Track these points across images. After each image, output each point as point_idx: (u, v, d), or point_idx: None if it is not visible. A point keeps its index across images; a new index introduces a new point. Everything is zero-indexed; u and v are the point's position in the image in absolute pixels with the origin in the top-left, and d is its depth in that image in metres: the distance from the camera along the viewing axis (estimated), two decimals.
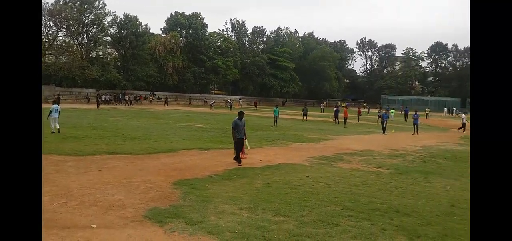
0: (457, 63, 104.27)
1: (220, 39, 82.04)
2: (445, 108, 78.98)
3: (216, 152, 14.96)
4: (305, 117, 36.67)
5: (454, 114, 72.52)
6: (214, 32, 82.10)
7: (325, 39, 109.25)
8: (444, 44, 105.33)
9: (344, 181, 10.78)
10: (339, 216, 7.43)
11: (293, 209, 7.74)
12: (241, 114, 13.44)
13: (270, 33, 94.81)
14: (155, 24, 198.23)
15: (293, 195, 8.98)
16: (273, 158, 14.47)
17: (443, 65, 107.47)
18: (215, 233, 6.23)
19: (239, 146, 12.99)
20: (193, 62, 73.14)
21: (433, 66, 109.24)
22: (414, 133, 28.00)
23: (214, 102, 59.94)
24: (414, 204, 8.67)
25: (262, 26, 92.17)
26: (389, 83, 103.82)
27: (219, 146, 16.70)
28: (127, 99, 56.53)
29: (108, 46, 65.89)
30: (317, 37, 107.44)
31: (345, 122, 33.85)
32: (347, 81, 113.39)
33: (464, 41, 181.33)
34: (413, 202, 8.92)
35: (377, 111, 33.50)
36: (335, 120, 36.21)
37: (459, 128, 33.14)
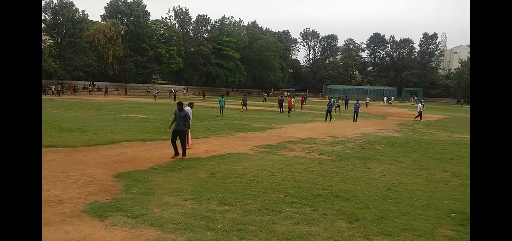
0: (394, 54, 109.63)
1: (163, 27, 79.95)
2: (385, 97, 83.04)
3: (160, 143, 14.66)
4: (244, 107, 36.65)
5: (409, 101, 76.37)
6: (156, 20, 79.86)
7: (269, 29, 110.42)
8: (382, 35, 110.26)
9: (287, 169, 11.02)
10: (282, 203, 7.59)
11: (238, 198, 7.79)
12: (179, 104, 12.75)
13: (215, 22, 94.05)
14: (94, 11, 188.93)
15: (238, 184, 9.04)
16: (218, 148, 14.44)
17: (381, 55, 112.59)
18: (158, 225, 6.12)
19: (174, 139, 12.24)
20: (134, 50, 70.77)
21: (372, 56, 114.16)
22: (354, 121, 29.16)
23: (158, 92, 58.53)
24: (354, 189, 9.06)
25: (206, 15, 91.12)
26: (331, 73, 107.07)
27: (162, 137, 16.37)
28: (53, 90, 51.81)
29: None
30: (261, 27, 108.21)
31: (289, 111, 34.51)
32: (291, 71, 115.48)
33: (400, 33, 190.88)
34: (353, 187, 9.31)
35: (331, 99, 34.15)
36: (280, 109, 36.80)
37: (416, 117, 34.90)
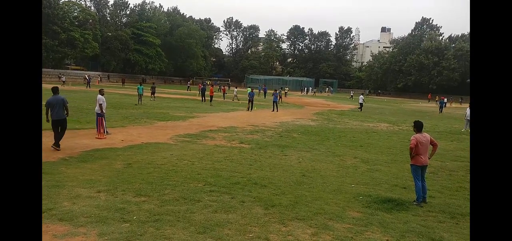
0: (312, 46, 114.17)
1: (77, 9, 74.77)
2: (306, 87, 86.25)
3: (72, 133, 13.77)
4: (153, 95, 34.64)
5: (320, 92, 79.61)
6: (69, 1, 74.39)
7: (191, 16, 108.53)
8: (301, 27, 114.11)
9: (207, 158, 11.02)
10: (201, 192, 7.59)
11: (155, 189, 7.63)
12: (55, 89, 11.43)
13: (134, 7, 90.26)
14: None
15: (155, 174, 8.85)
16: (136, 137, 13.97)
17: (300, 47, 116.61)
18: (67, 220, 5.79)
19: (56, 130, 11.19)
20: (44, 33, 65.19)
21: (292, 48, 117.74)
22: (273, 110, 29.95)
23: (64, 77, 53.96)
24: (271, 176, 9.35)
25: None
26: (253, 63, 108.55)
27: (75, 126, 15.41)
28: None
29: None
30: (183, 14, 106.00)
31: (211, 100, 34.41)
32: (214, 59, 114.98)
33: (318, 26, 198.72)
34: (270, 174, 9.60)
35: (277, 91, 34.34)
36: (202, 98, 36.53)
37: (358, 108, 36.74)
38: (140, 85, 30.63)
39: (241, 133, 16.70)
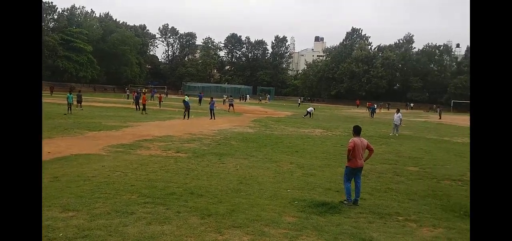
0: (249, 54, 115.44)
1: None
2: (247, 95, 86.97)
3: None
4: (79, 104, 32.95)
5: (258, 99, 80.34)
6: None
7: (125, 22, 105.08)
8: (238, 36, 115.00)
9: (142, 168, 10.67)
10: (135, 204, 7.32)
11: (85, 202, 7.24)
12: None
13: (63, 11, 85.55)
14: None
15: (85, 187, 8.40)
16: (64, 149, 13.20)
17: (238, 55, 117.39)
18: None
19: None
20: None
21: (230, 56, 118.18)
22: (211, 118, 29.80)
23: None
24: (208, 185, 9.26)
25: (52, 2, 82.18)
26: (190, 70, 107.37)
27: None
28: None
29: None
30: (116, 19, 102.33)
31: (144, 108, 33.36)
32: (149, 67, 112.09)
33: (255, 35, 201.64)
34: (207, 183, 9.51)
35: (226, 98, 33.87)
36: (136, 106, 35.36)
37: (304, 115, 37.27)
38: (70, 94, 29.01)
39: (177, 142, 16.39)
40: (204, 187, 9.04)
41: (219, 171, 10.96)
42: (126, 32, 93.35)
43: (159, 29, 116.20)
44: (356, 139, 8.39)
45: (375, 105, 52.73)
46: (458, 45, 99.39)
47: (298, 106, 65.53)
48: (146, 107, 33.31)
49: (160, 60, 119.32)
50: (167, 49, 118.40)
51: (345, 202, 8.16)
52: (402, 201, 8.87)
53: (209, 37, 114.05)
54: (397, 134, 24.08)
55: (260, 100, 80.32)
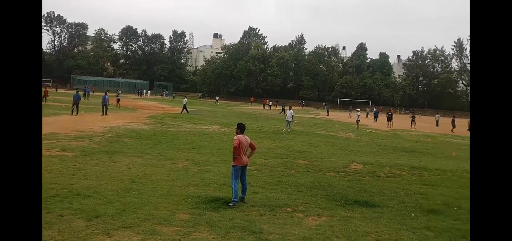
0: (146, 48, 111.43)
1: None
2: (148, 91, 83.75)
3: None
4: None
5: (144, 95, 77.51)
6: None
7: None
8: (134, 28, 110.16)
9: None
10: None
11: None
12: None
13: None
14: None
15: None
16: None
17: (133, 48, 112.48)
18: None
19: None
20: None
21: (125, 49, 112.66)
22: (103, 114, 28.16)
23: None
24: (97, 185, 8.76)
25: None
26: (80, 62, 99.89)
27: None
28: None
29: None
30: None
31: None
32: None
33: (152, 29, 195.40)
34: (96, 183, 8.99)
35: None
36: None
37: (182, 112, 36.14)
38: None
39: (63, 140, 15.16)
40: (93, 187, 8.53)
41: (110, 170, 10.43)
42: None
43: (43, 16, 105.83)
44: (240, 136, 8.28)
45: (270, 102, 54.87)
46: (344, 48, 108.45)
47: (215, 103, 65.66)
48: None
49: (44, 51, 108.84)
50: (53, 39, 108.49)
51: (230, 204, 7.84)
52: (291, 193, 9.40)
53: (102, 29, 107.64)
54: (289, 130, 25.39)
55: (162, 96, 77.75)
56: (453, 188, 11.10)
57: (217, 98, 79.35)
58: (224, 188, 9.39)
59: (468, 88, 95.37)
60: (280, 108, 54.81)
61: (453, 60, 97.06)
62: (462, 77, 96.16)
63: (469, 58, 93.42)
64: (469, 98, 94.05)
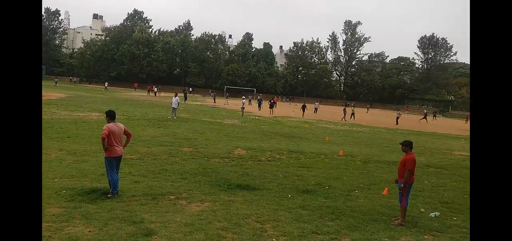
0: None
1: None
2: None
3: None
4: None
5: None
6: None
7: None
8: None
9: None
10: None
11: None
12: None
13: None
14: None
15: None
16: None
17: None
18: None
19: None
20: None
21: None
22: None
23: None
24: None
25: None
26: None
27: None
28: None
29: None
30: None
31: None
32: None
33: None
34: None
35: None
36: None
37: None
38: None
39: None
40: None
41: None
42: None
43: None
44: (111, 125, 7.59)
45: (155, 88, 53.21)
46: (230, 36, 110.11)
47: (105, 89, 60.86)
48: None
49: None
50: None
51: (109, 195, 7.46)
52: (175, 180, 9.35)
53: None
54: (175, 117, 25.05)
55: (56, 83, 69.25)
56: (325, 169, 12.21)
57: (106, 84, 74.06)
58: (103, 178, 8.91)
59: (342, 78, 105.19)
60: (165, 94, 53.45)
61: (328, 52, 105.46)
62: (336, 68, 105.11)
63: (342, 51, 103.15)
64: (342, 87, 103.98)
